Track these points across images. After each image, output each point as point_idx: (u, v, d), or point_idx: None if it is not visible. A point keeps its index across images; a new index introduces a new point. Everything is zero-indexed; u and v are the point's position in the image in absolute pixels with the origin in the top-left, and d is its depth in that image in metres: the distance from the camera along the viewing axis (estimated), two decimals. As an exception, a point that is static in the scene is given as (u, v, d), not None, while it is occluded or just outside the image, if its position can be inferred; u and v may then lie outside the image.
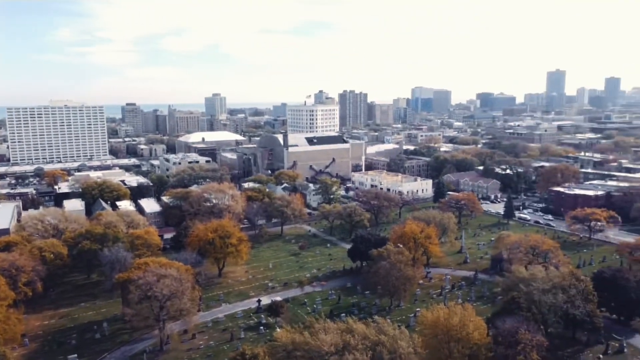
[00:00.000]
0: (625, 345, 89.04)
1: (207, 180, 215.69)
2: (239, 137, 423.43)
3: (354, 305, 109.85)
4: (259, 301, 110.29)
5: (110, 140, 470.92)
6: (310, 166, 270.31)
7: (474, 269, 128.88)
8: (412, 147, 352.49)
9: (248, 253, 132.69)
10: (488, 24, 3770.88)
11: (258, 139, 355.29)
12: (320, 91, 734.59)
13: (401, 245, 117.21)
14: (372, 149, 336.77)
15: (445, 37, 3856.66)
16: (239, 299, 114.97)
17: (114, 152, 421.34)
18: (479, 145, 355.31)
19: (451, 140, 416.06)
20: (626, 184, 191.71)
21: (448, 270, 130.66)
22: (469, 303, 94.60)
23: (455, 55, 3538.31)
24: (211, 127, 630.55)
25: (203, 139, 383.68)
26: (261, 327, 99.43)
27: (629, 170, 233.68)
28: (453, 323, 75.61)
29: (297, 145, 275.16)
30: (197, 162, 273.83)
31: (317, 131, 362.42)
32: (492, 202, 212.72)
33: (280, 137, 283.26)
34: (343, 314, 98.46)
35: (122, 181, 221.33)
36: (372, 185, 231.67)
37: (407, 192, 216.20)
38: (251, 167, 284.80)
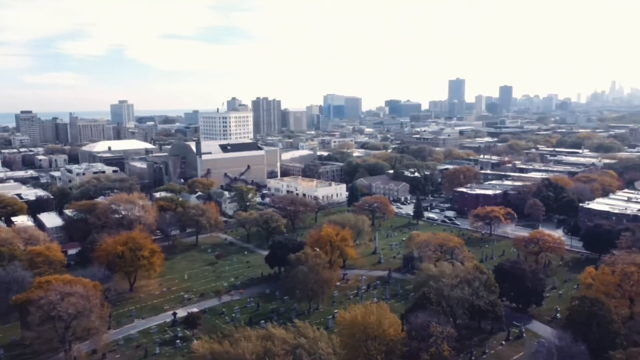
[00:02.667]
0: (523, 330, 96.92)
1: (115, 190, 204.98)
2: (149, 146, 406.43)
3: (273, 311, 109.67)
4: (174, 314, 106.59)
5: (3, 151, 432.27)
6: (225, 174, 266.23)
7: (387, 269, 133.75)
8: (326, 153, 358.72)
9: (161, 265, 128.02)
10: (393, 34, 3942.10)
11: (169, 147, 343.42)
12: (233, 98, 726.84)
13: (318, 249, 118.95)
14: (287, 156, 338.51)
15: (355, 46, 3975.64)
16: (152, 314, 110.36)
17: (7, 164, 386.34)
18: (389, 150, 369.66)
19: (363, 145, 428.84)
20: (520, 183, 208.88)
21: (364, 271, 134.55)
22: (384, 301, 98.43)
23: (365, 63, 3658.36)
24: (118, 135, 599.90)
25: (109, 148, 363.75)
26: (178, 341, 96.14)
27: (522, 170, 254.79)
28: (370, 321, 78.12)
29: (210, 153, 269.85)
30: (104, 172, 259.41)
31: (230, 138, 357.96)
32: (402, 204, 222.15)
33: (192, 145, 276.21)
34: (262, 321, 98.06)
35: (18, 195, 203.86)
36: (288, 191, 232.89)
37: (323, 196, 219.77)
38: (163, 176, 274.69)
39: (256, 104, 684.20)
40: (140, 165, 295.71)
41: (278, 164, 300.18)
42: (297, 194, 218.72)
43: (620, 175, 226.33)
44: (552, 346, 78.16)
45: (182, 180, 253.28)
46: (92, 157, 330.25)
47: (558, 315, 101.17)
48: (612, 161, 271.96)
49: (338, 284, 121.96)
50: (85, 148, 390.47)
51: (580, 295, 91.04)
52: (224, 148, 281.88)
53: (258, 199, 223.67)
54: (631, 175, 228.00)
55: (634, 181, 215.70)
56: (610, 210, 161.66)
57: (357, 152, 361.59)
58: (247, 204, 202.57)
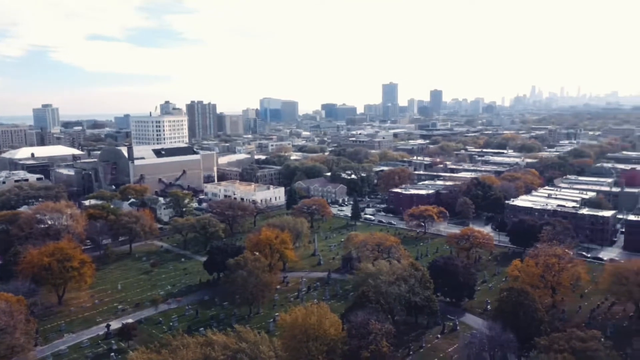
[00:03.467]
0: (457, 323, 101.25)
1: (40, 199, 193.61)
2: (76, 152, 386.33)
3: (212, 317, 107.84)
4: (107, 326, 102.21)
5: None
6: (160, 179, 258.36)
7: (327, 270, 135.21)
8: (263, 157, 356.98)
9: (93, 276, 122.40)
10: (328, 39, 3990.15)
11: (99, 152, 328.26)
12: (167, 102, 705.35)
13: (257, 253, 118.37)
14: (223, 160, 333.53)
15: (291, 50, 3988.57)
16: (84, 327, 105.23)
17: None
18: (326, 153, 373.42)
19: (300, 149, 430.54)
20: (451, 183, 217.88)
21: (303, 273, 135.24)
22: (325, 302, 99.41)
23: (301, 67, 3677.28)
24: (42, 141, 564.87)
25: (33, 154, 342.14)
26: (112, 354, 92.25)
27: (452, 170, 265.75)
28: (310, 322, 78.77)
29: (143, 158, 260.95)
30: (27, 180, 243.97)
31: (165, 143, 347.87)
32: (340, 205, 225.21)
33: (124, 150, 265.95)
34: (202, 328, 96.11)
35: None
36: (225, 196, 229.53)
37: (261, 200, 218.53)
38: (92, 184, 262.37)
39: (191, 107, 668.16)
40: (68, 172, 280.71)
41: (215, 168, 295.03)
42: (235, 198, 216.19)
43: (541, 173, 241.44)
44: (484, 336, 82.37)
45: (114, 187, 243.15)
46: (14, 165, 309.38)
47: (489, 307, 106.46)
48: (534, 160, 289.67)
49: (278, 287, 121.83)
50: (5, 155, 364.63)
51: (508, 287, 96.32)
52: (158, 153, 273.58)
53: (195, 205, 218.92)
54: (551, 173, 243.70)
55: (553, 179, 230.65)
56: (533, 206, 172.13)
57: (294, 156, 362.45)
58: (184, 209, 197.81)
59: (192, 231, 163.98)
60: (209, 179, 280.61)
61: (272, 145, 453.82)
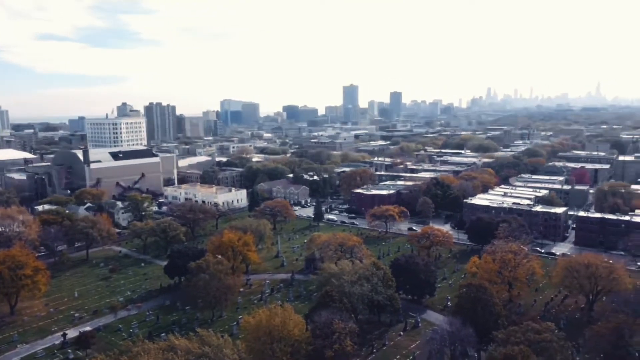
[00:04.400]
0: (419, 320, 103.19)
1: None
2: (28, 155, 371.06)
3: (174, 322, 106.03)
4: (64, 335, 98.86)
5: None
6: (118, 183, 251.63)
7: (290, 271, 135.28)
8: (224, 159, 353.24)
9: (47, 283, 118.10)
10: (288, 40, 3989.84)
11: (52, 156, 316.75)
12: (124, 104, 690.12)
13: (220, 256, 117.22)
14: (184, 162, 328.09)
15: (251, 51, 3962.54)
16: (38, 337, 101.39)
17: None
18: (288, 155, 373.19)
19: (262, 150, 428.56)
20: (411, 183, 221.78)
21: (267, 274, 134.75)
22: (288, 303, 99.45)
23: (262, 69, 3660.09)
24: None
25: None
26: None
27: (413, 171, 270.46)
28: (274, 324, 78.69)
29: (100, 161, 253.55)
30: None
31: (122, 145, 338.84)
32: (303, 206, 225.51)
33: (79, 153, 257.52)
34: (163, 334, 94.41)
35: None
36: (186, 199, 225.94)
37: (223, 202, 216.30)
38: (46, 188, 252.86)
39: (149, 109, 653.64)
40: (19, 176, 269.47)
41: (175, 171, 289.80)
42: (196, 201, 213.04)
43: (497, 172, 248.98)
44: (444, 332, 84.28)
45: (69, 192, 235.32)
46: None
47: (449, 303, 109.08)
48: (490, 160, 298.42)
49: (241, 289, 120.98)
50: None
51: (467, 283, 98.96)
52: (115, 156, 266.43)
53: (154, 208, 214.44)
54: (506, 172, 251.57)
55: (508, 177, 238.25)
56: (490, 204, 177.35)
57: (256, 157, 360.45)
58: (143, 213, 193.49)
59: (152, 235, 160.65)
60: (169, 182, 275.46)
61: (233, 148, 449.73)
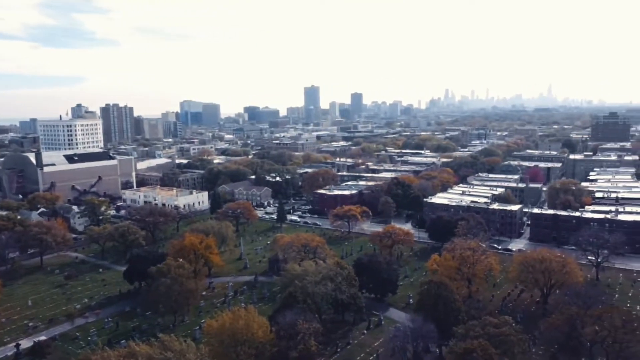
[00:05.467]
0: (382, 318, 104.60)
1: None
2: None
3: (134, 329, 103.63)
4: (17, 345, 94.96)
5: None
6: (73, 186, 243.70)
7: (254, 273, 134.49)
8: (185, 161, 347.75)
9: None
10: (249, 41, 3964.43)
11: (2, 159, 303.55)
12: (79, 105, 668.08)
13: (181, 259, 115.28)
14: (143, 165, 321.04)
15: (210, 52, 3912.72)
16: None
17: None
18: (250, 156, 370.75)
19: (223, 152, 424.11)
20: (373, 183, 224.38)
21: (230, 277, 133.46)
22: (252, 305, 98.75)
23: (222, 70, 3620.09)
24: None
25: None
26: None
27: (374, 171, 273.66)
28: (238, 327, 78.22)
29: (54, 165, 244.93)
30: None
31: (78, 148, 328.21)
32: (265, 208, 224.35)
33: (31, 156, 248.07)
34: (123, 341, 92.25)
35: None
36: (146, 202, 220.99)
37: (184, 205, 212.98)
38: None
39: (106, 111, 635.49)
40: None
41: (133, 174, 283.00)
42: (156, 204, 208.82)
43: (455, 172, 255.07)
44: (407, 329, 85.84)
45: (21, 196, 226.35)
46: None
47: (411, 300, 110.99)
48: (449, 160, 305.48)
49: (204, 293, 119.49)
50: None
51: (428, 280, 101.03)
52: (70, 159, 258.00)
53: (112, 212, 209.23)
54: (464, 172, 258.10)
55: (466, 177, 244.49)
56: (449, 203, 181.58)
57: (217, 159, 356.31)
58: (100, 217, 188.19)
59: (110, 240, 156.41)
60: (127, 185, 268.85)
61: (194, 149, 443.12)
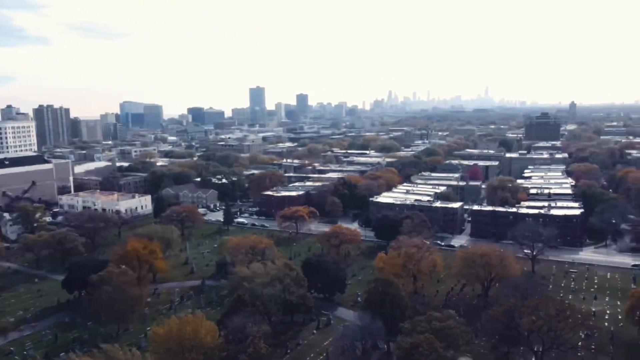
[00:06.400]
0: (331, 318, 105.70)
1: None
2: None
3: (75, 340, 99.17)
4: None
5: None
6: (4, 192, 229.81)
7: (201, 277, 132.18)
8: (126, 164, 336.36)
9: None
10: (192, 41, 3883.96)
11: None
12: (9, 106, 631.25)
13: (124, 266, 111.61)
14: (81, 168, 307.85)
15: (150, 51, 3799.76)
16: None
17: None
18: (195, 158, 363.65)
19: (167, 154, 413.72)
20: (320, 184, 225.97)
21: (176, 283, 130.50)
22: (200, 310, 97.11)
23: (164, 70, 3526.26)
24: None
25: None
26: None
27: (321, 172, 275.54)
28: (185, 333, 76.79)
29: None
30: None
31: (8, 152, 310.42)
32: (212, 211, 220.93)
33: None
34: (63, 353, 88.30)
35: None
36: (85, 207, 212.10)
37: (126, 210, 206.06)
38: None
39: (39, 112, 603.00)
40: None
41: (71, 178, 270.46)
42: (96, 209, 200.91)
43: (399, 171, 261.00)
44: (356, 327, 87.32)
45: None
46: None
47: (359, 299, 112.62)
48: (393, 160, 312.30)
49: (149, 300, 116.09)
50: None
51: (375, 278, 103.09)
52: (1, 163, 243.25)
53: (48, 219, 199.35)
54: (408, 171, 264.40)
55: (410, 176, 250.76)
56: (394, 202, 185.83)
57: (161, 162, 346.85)
58: (35, 225, 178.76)
59: (47, 248, 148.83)
60: (64, 190, 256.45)
61: (135, 152, 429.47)
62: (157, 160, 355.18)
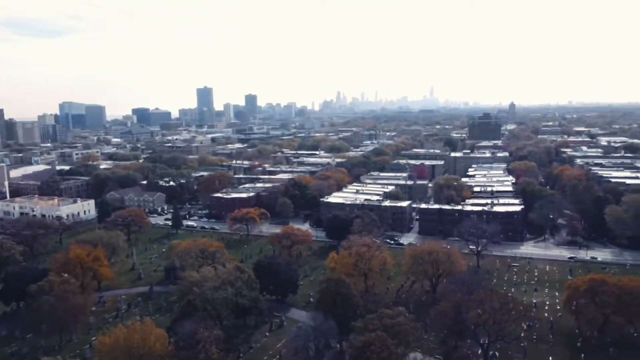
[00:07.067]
0: (284, 319, 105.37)
1: None
2: None
3: (13, 354, 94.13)
4: None
5: None
6: None
7: (149, 283, 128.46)
8: (67, 167, 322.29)
9: None
10: (135, 39, 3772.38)
11: None
12: None
13: (66, 274, 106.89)
14: (17, 173, 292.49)
15: (92, 50, 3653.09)
16: None
17: None
18: (141, 160, 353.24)
19: (111, 157, 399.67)
20: (270, 185, 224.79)
21: (122, 290, 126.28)
22: (148, 317, 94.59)
23: (106, 70, 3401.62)
24: None
25: None
26: None
27: (271, 173, 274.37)
28: (133, 341, 74.58)
29: None
30: None
31: None
32: (159, 214, 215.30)
33: None
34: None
35: None
36: (22, 213, 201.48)
37: (67, 215, 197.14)
38: None
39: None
40: None
41: (6, 183, 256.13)
42: (35, 216, 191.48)
43: (349, 171, 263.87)
44: (308, 328, 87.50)
45: None
46: None
47: (311, 299, 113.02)
48: (343, 160, 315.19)
49: (94, 309, 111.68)
50: None
51: (327, 278, 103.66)
52: None
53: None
54: (357, 171, 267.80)
55: (359, 176, 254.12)
56: (344, 202, 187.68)
57: (104, 164, 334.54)
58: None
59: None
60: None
61: (77, 154, 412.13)
62: (101, 163, 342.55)
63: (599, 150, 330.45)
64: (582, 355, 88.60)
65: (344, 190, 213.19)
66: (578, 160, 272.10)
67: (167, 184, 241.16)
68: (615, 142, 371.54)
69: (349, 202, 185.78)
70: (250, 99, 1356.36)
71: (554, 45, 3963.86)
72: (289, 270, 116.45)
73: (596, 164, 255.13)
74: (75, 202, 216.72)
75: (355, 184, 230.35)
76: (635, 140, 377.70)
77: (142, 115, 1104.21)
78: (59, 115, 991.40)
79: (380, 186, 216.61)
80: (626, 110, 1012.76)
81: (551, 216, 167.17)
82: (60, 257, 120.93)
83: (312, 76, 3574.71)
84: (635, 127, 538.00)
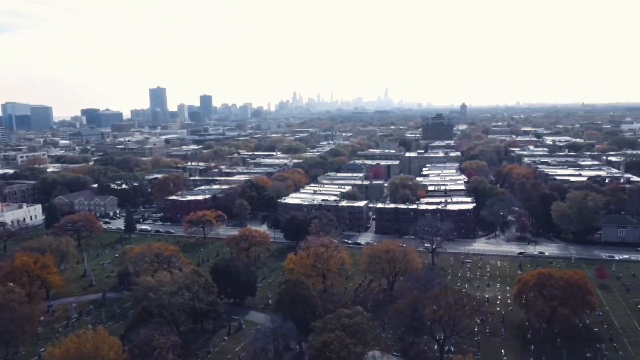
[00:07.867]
0: (243, 322, 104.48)
1: None
2: None
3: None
4: None
5: None
6: None
7: (101, 290, 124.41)
8: (11, 171, 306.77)
9: None
10: (84, 36, 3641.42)
11: None
12: None
13: (11, 283, 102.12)
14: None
15: (36, 48, 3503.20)
16: None
17: None
18: (91, 163, 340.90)
19: (59, 159, 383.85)
20: (227, 186, 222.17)
21: (73, 298, 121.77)
22: (101, 325, 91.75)
23: (52, 68, 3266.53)
24: None
25: None
26: None
27: (227, 174, 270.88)
28: (85, 351, 72.28)
29: None
30: None
31: None
32: (112, 218, 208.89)
33: None
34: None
35: None
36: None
37: (12, 221, 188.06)
38: None
39: None
40: None
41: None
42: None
43: (306, 172, 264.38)
44: (267, 330, 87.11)
45: None
46: None
47: (270, 301, 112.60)
48: (300, 161, 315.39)
49: (42, 318, 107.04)
50: None
51: (285, 280, 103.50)
52: None
53: None
54: (314, 172, 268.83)
55: (317, 176, 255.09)
56: (302, 202, 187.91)
57: (52, 167, 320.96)
58: None
59: None
60: None
61: (22, 157, 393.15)
62: (48, 166, 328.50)
63: (545, 149, 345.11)
64: (532, 346, 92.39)
65: (302, 191, 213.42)
66: (526, 159, 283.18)
67: (120, 187, 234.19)
68: (559, 141, 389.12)
69: (306, 203, 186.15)
70: (205, 100, 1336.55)
71: (501, 47, 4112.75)
72: (247, 272, 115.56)
73: (542, 163, 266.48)
74: (20, 207, 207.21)
75: (312, 184, 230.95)
76: (578, 140, 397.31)
77: (92, 116, 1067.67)
78: (1, 117, 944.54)
79: (337, 186, 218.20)
80: (569, 111, 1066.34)
81: (501, 213, 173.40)
82: (5, 265, 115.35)
83: (268, 77, 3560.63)
84: (578, 127, 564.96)
